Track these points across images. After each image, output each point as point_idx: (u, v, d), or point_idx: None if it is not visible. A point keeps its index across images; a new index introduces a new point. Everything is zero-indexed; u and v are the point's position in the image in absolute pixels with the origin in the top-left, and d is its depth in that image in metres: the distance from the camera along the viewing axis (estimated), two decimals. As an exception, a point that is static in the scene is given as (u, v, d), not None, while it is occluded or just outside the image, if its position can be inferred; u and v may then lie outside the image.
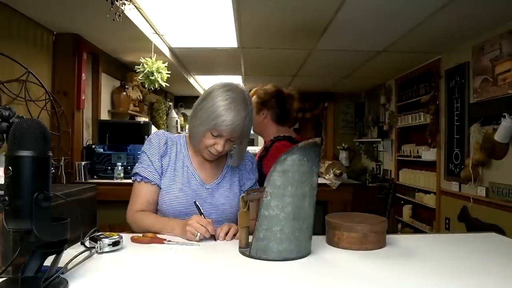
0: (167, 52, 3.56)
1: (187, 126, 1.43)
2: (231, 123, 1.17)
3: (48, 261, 0.75)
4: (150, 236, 1.14)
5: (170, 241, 1.11)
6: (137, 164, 1.32)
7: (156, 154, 1.29)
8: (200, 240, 1.11)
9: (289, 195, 0.98)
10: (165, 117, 5.25)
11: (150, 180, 1.28)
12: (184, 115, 6.29)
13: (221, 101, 1.18)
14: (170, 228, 1.18)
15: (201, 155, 1.30)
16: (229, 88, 1.21)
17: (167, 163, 1.31)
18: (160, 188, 1.29)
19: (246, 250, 1.02)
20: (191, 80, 5.08)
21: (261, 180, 1.93)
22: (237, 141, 1.26)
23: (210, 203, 1.29)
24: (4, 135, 0.78)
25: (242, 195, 1.07)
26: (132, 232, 1.24)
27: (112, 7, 2.15)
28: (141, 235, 1.15)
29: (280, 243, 0.98)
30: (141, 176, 1.28)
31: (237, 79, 5.28)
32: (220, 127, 1.18)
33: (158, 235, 1.16)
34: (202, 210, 1.19)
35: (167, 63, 3.14)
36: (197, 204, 1.20)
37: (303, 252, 1.01)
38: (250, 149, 1.51)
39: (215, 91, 1.21)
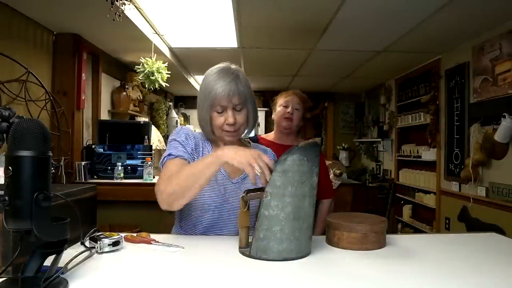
0: (167, 52, 3.56)
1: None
2: (223, 88, 1.20)
3: (48, 261, 0.75)
4: (142, 236, 1.14)
5: (158, 242, 1.10)
6: (165, 152, 1.26)
7: (187, 141, 1.27)
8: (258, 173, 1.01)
9: (289, 195, 0.98)
10: (165, 117, 5.25)
11: (185, 157, 1.23)
12: (184, 115, 6.29)
13: (211, 76, 1.24)
14: (215, 156, 1.07)
15: (222, 141, 1.29)
16: (217, 66, 1.29)
17: (194, 157, 1.28)
18: None
19: (246, 250, 1.02)
20: (191, 80, 5.08)
21: None
22: (243, 107, 1.24)
23: (236, 198, 1.26)
24: (4, 135, 0.78)
25: (242, 195, 1.06)
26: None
27: (112, 7, 2.15)
28: (135, 234, 1.15)
29: (280, 243, 0.98)
30: (174, 155, 1.22)
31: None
32: (217, 98, 1.20)
33: (151, 235, 1.15)
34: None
35: (167, 63, 3.14)
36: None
37: (303, 252, 1.01)
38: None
39: (206, 75, 1.28)
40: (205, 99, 1.23)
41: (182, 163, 1.21)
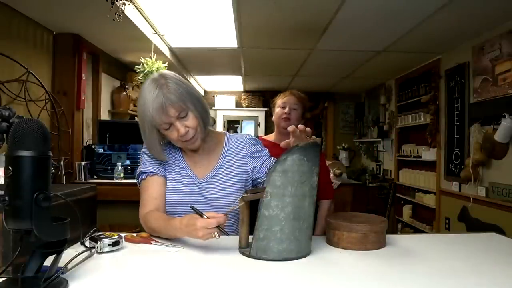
0: (167, 52, 3.56)
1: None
2: (155, 106, 1.12)
3: (48, 261, 0.75)
4: (142, 236, 1.14)
5: (157, 242, 1.11)
6: (139, 168, 1.31)
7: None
8: (219, 236, 1.01)
9: (289, 195, 0.98)
10: (165, 117, 5.24)
11: (156, 172, 1.26)
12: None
13: (141, 99, 1.17)
14: (173, 229, 1.09)
15: (185, 149, 1.30)
16: (147, 80, 1.20)
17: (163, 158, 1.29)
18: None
19: (246, 250, 1.02)
20: (191, 80, 5.08)
21: None
22: (186, 113, 1.17)
23: (204, 198, 1.25)
24: (4, 135, 0.79)
25: (242, 195, 1.04)
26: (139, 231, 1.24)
27: (112, 7, 2.15)
28: (135, 234, 1.15)
29: (280, 243, 0.98)
30: (146, 172, 1.27)
31: (237, 79, 5.28)
32: (154, 119, 1.14)
33: (151, 235, 1.16)
34: (199, 211, 1.04)
35: (167, 63, 3.14)
36: (194, 208, 1.05)
37: (303, 252, 1.01)
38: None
39: (139, 95, 1.22)
40: (144, 126, 1.19)
41: (154, 181, 1.26)
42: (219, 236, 0.98)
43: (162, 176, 1.27)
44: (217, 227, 0.98)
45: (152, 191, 1.25)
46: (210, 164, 1.30)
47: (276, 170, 0.98)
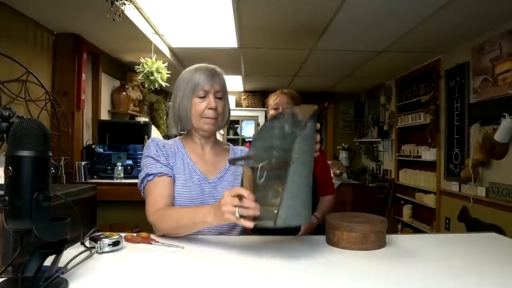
0: (167, 52, 3.56)
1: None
2: (206, 75, 1.25)
3: (48, 261, 0.75)
4: (142, 236, 1.14)
5: (158, 242, 1.11)
6: (141, 172, 1.25)
7: (160, 153, 1.26)
8: (241, 217, 0.95)
9: (307, 161, 0.97)
10: (165, 117, 5.25)
11: (164, 172, 1.23)
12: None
13: (190, 70, 1.30)
14: (202, 217, 1.05)
15: (200, 129, 1.28)
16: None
17: (170, 162, 1.28)
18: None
19: (267, 222, 0.95)
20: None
21: (313, 184, 2.00)
22: (222, 97, 1.29)
23: (214, 198, 1.25)
24: (4, 135, 0.78)
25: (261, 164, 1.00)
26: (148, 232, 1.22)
27: (112, 7, 2.15)
28: (135, 234, 1.15)
29: (304, 209, 0.96)
30: (153, 174, 1.22)
31: (237, 79, 5.28)
32: (199, 83, 1.24)
33: (151, 235, 1.15)
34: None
35: (167, 63, 3.14)
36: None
37: (310, 219, 1.01)
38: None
39: (184, 72, 1.32)
40: (186, 86, 1.26)
41: (162, 181, 1.22)
42: (239, 216, 0.94)
43: (171, 176, 1.24)
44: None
45: (162, 191, 1.21)
46: (218, 166, 1.33)
47: (300, 135, 0.95)
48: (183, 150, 1.32)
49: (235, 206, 0.95)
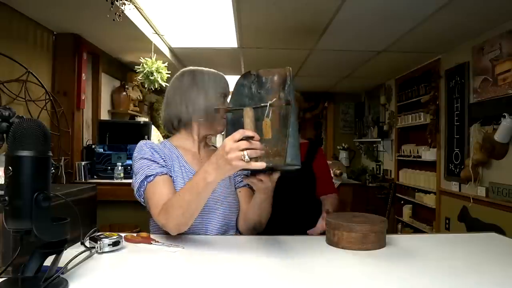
0: (167, 52, 3.56)
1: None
2: (226, 79, 1.31)
3: (48, 261, 0.75)
4: (142, 236, 1.14)
5: (158, 242, 1.10)
6: (137, 176, 1.17)
7: (154, 154, 1.20)
8: (251, 160, 0.90)
9: (295, 109, 0.98)
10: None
11: (164, 172, 1.17)
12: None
13: (207, 70, 1.31)
14: (202, 182, 0.99)
15: (214, 131, 1.29)
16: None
17: (168, 164, 1.22)
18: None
19: (278, 159, 0.93)
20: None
21: (312, 182, 1.95)
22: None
23: (212, 196, 1.20)
24: (4, 135, 0.79)
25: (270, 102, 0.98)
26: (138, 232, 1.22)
27: (112, 7, 2.15)
28: (135, 234, 1.15)
29: (299, 151, 0.97)
30: (152, 175, 1.14)
31: (237, 79, 5.27)
32: (226, 85, 1.29)
33: (151, 235, 1.15)
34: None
35: (167, 63, 3.14)
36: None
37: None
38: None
39: (194, 70, 1.31)
40: (214, 86, 1.26)
41: (164, 180, 1.15)
42: (249, 158, 0.89)
43: (171, 177, 1.19)
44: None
45: (166, 189, 1.13)
46: None
47: (292, 85, 1.00)
48: (177, 152, 1.27)
49: (243, 150, 0.90)
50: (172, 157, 1.24)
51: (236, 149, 0.90)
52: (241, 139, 0.91)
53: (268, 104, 0.97)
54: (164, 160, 1.20)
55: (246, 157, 0.89)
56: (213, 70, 1.32)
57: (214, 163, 0.96)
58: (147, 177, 1.15)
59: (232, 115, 1.07)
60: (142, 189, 1.16)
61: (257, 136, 0.92)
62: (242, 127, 0.96)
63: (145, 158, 1.18)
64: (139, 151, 1.21)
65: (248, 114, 0.98)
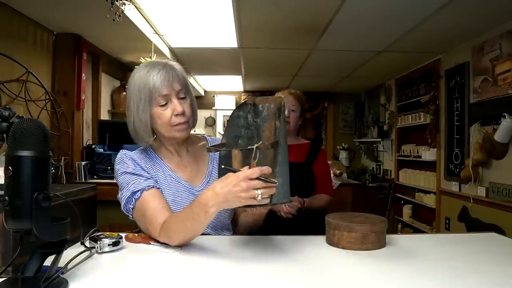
0: (167, 52, 3.56)
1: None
2: (160, 75, 1.07)
3: (48, 261, 0.75)
4: (142, 236, 1.13)
5: (157, 242, 1.09)
6: (123, 192, 1.12)
7: (138, 167, 1.14)
8: (264, 199, 0.87)
9: (285, 141, 0.97)
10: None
11: (152, 185, 1.11)
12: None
13: (141, 71, 1.11)
14: (203, 215, 0.94)
15: (173, 140, 1.16)
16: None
17: (150, 172, 1.16)
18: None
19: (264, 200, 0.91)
20: (191, 80, 5.08)
21: (312, 183, 1.98)
22: (186, 95, 1.13)
23: None
24: (4, 135, 0.79)
25: (257, 144, 0.97)
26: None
27: (112, 7, 2.15)
28: (135, 234, 1.15)
29: (288, 186, 0.96)
30: (139, 190, 1.09)
31: (237, 79, 5.28)
32: (155, 88, 1.06)
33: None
34: (233, 169, 0.96)
35: (167, 63, 3.13)
36: (227, 167, 0.97)
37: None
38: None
39: (133, 73, 1.15)
40: (140, 96, 1.07)
41: (152, 194, 1.09)
42: (261, 197, 0.86)
43: (159, 188, 1.13)
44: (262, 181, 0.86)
45: (156, 204, 1.08)
46: (201, 171, 1.23)
47: (281, 120, 0.99)
48: (159, 160, 1.19)
49: (258, 189, 0.86)
50: (156, 167, 1.18)
51: (251, 188, 0.86)
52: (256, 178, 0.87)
53: (255, 147, 0.98)
54: (147, 172, 1.14)
55: (259, 197, 0.86)
56: (144, 66, 1.12)
57: (221, 197, 0.90)
58: (133, 193, 1.10)
59: (224, 152, 1.07)
60: (130, 205, 1.12)
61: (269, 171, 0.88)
62: None
63: (128, 173, 1.13)
64: (120, 164, 1.16)
65: (236, 156, 1.00)
